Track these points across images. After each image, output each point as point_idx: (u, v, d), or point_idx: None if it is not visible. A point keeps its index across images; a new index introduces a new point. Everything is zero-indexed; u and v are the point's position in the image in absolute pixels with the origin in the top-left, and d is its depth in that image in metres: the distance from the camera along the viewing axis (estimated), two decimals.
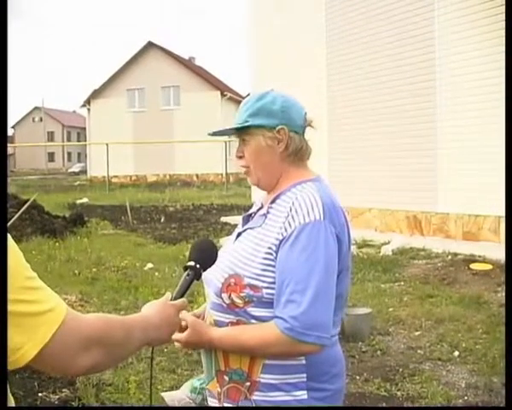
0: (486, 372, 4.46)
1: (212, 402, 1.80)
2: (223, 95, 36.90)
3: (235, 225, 1.98)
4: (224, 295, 1.72)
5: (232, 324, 1.72)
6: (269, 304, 1.67)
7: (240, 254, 1.74)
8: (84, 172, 48.43)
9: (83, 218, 13.39)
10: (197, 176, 35.38)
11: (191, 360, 4.70)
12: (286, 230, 1.66)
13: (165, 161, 35.50)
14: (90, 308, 6.35)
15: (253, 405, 1.71)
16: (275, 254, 1.67)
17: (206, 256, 1.74)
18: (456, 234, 10.21)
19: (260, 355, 1.68)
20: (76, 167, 59.71)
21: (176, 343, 1.75)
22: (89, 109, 38.76)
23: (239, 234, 1.84)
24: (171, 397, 4.01)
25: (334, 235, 1.66)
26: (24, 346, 1.05)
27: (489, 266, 7.90)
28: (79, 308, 6.20)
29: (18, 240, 10.49)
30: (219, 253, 1.80)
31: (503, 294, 6.05)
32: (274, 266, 1.67)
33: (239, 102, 1.95)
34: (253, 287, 1.68)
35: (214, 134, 1.93)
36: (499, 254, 7.61)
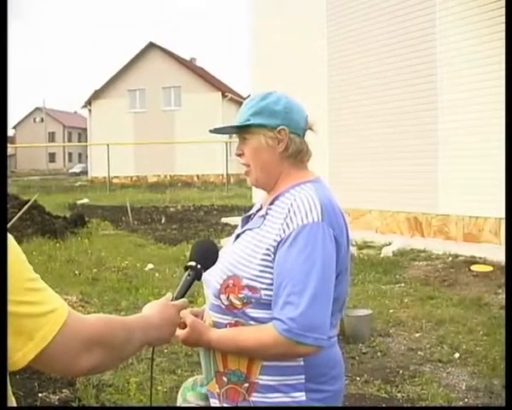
0: (487, 374, 4.46)
1: (213, 402, 1.81)
2: (224, 96, 36.91)
3: (236, 226, 1.98)
4: (223, 297, 1.72)
5: (230, 325, 1.72)
6: (267, 305, 1.67)
7: (238, 256, 1.75)
8: (84, 172, 48.44)
9: (83, 218, 13.40)
10: (198, 177, 35.38)
11: (191, 361, 4.70)
12: (284, 231, 1.67)
13: (166, 161, 35.51)
14: (90, 309, 6.35)
15: (252, 406, 1.71)
16: (273, 256, 1.68)
17: (207, 256, 1.74)
18: (457, 236, 10.21)
19: (258, 357, 1.68)
20: (77, 168, 59.71)
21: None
22: (90, 110, 38.78)
23: (238, 235, 1.84)
24: None
25: (332, 237, 1.66)
26: (25, 347, 1.05)
27: (489, 268, 7.90)
28: (80, 309, 6.20)
29: (18, 241, 10.56)
30: (219, 254, 1.81)
31: (504, 296, 6.04)
32: (272, 268, 1.67)
33: (240, 103, 1.95)
34: (251, 288, 1.68)
35: (215, 131, 1.93)
36: (500, 256, 7.61)
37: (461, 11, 9.98)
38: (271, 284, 1.67)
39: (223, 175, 31.32)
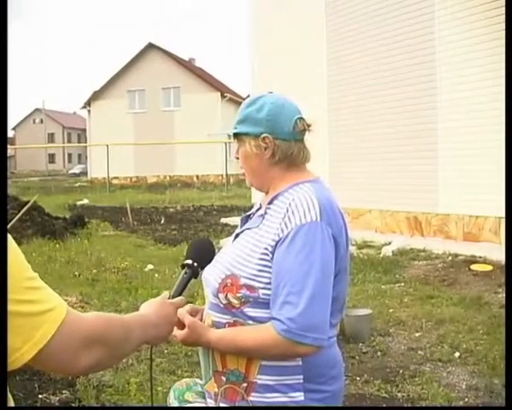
0: (487, 374, 4.45)
1: (209, 403, 1.81)
2: (223, 96, 36.91)
3: (236, 226, 1.99)
4: (221, 296, 1.72)
5: (229, 324, 1.73)
6: (265, 305, 1.67)
7: (237, 255, 1.75)
8: (84, 173, 48.45)
9: (83, 219, 13.40)
10: (197, 177, 35.38)
11: (191, 361, 4.70)
12: (282, 231, 1.67)
13: (166, 162, 35.51)
14: (90, 310, 6.35)
15: (251, 406, 1.71)
16: (271, 255, 1.68)
17: (204, 255, 1.75)
18: (457, 235, 10.21)
19: (257, 357, 1.69)
20: (76, 169, 59.71)
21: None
22: (89, 111, 38.79)
23: (237, 235, 1.85)
24: None
25: (331, 236, 1.66)
26: (24, 346, 1.05)
27: (489, 267, 7.90)
28: (80, 309, 6.18)
29: (18, 241, 10.56)
30: (218, 253, 1.81)
31: (504, 295, 6.04)
32: (270, 267, 1.67)
33: (239, 104, 1.97)
34: (249, 287, 1.68)
35: (213, 136, 1.96)
36: (500, 255, 7.61)
37: (460, 10, 9.98)
38: (269, 284, 1.67)
39: (222, 175, 31.32)
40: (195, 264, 1.72)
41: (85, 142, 46.93)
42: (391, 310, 6.26)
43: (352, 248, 9.24)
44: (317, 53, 13.00)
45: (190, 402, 1.89)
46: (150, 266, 8.81)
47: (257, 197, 1.96)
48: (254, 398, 1.70)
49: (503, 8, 3.68)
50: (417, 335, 5.50)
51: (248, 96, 2.55)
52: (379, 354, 5.04)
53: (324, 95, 12.79)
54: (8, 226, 9.51)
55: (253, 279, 1.68)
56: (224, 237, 10.46)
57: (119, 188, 29.87)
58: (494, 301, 6.42)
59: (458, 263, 8.43)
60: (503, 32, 2.95)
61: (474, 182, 9.67)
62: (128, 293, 7.16)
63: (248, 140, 1.79)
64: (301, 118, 1.82)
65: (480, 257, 8.53)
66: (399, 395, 4.20)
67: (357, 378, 4.47)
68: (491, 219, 9.51)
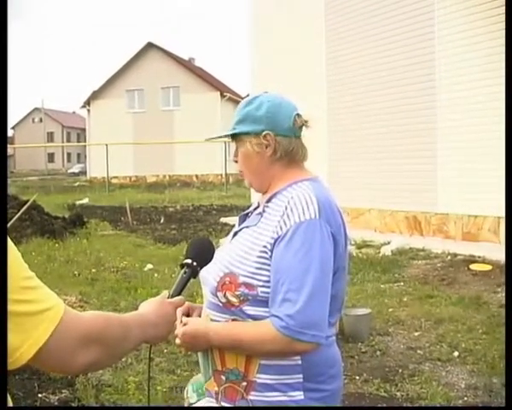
0: (486, 373, 4.46)
1: (210, 402, 1.81)
2: (222, 96, 36.90)
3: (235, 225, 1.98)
4: (220, 294, 1.72)
5: None
6: (264, 303, 1.67)
7: (235, 253, 1.75)
8: (83, 172, 48.42)
9: (82, 219, 13.39)
10: (197, 177, 35.37)
11: (191, 360, 4.70)
12: (281, 228, 1.67)
13: (165, 161, 35.49)
14: (89, 309, 6.34)
15: (250, 405, 1.71)
16: (270, 253, 1.68)
17: (203, 254, 1.75)
18: (456, 234, 10.21)
19: (255, 353, 1.69)
20: (76, 168, 59.68)
21: (177, 340, 1.76)
22: (88, 110, 38.77)
23: (235, 233, 1.85)
24: None
25: (330, 234, 1.67)
26: (23, 345, 1.05)
27: (489, 267, 7.90)
28: (79, 309, 6.19)
29: (18, 241, 10.47)
30: (217, 252, 1.81)
31: (503, 294, 6.05)
32: (269, 265, 1.67)
33: (238, 103, 1.96)
34: (247, 285, 1.68)
35: (210, 140, 1.96)
36: (499, 255, 7.62)
37: (459, 10, 9.99)
38: (268, 282, 1.67)
39: (222, 175, 31.32)
40: (195, 263, 1.72)
41: (85, 141, 46.92)
42: (390, 309, 6.27)
43: (352, 248, 9.24)
44: (316, 53, 13.00)
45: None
46: (149, 266, 8.81)
47: (256, 197, 1.96)
48: (254, 397, 1.70)
49: (503, 8, 3.68)
50: (416, 334, 5.50)
51: (248, 95, 2.54)
52: (378, 353, 5.04)
53: (324, 94, 12.79)
54: (8, 226, 9.51)
55: (252, 277, 1.69)
56: (223, 236, 10.45)
57: (119, 187, 29.87)
58: (493, 301, 6.42)
59: (457, 263, 8.44)
60: (503, 32, 2.95)
61: (474, 181, 9.67)
62: (127, 292, 7.16)
63: (249, 139, 1.79)
64: (299, 114, 1.83)
65: (479, 257, 8.54)
66: (398, 394, 4.20)
67: (357, 378, 4.48)
68: (491, 218, 9.51)
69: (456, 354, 4.93)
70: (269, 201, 1.78)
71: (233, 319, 1.71)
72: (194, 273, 1.72)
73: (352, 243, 9.84)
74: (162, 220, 15.15)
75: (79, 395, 4.13)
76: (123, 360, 4.54)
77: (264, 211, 1.77)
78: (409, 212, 11.11)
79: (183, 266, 1.73)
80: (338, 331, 4.71)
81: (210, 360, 1.77)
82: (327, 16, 12.75)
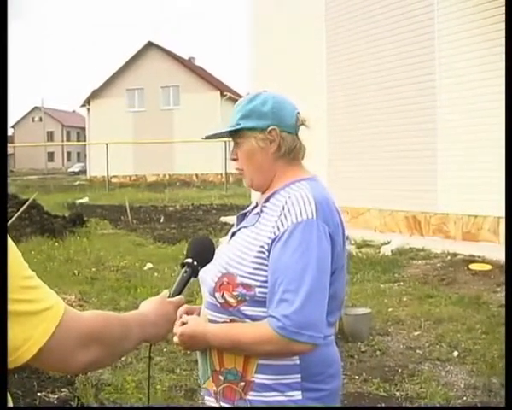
0: (486, 373, 4.46)
1: (210, 401, 1.81)
2: (222, 95, 36.89)
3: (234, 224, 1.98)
4: (218, 295, 1.72)
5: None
6: (262, 303, 1.67)
7: (233, 253, 1.75)
8: (83, 171, 48.42)
9: (82, 218, 13.40)
10: (197, 176, 35.36)
11: (190, 359, 4.70)
12: (278, 229, 1.67)
13: (165, 160, 35.48)
14: (89, 308, 6.35)
15: (248, 405, 1.71)
16: (267, 253, 1.68)
17: (204, 253, 1.75)
18: (456, 234, 10.22)
19: (253, 353, 1.68)
20: (76, 167, 59.67)
21: (175, 339, 1.76)
22: (88, 109, 38.75)
23: (234, 233, 1.85)
24: None
25: (328, 234, 1.66)
26: (23, 345, 1.05)
27: (488, 267, 7.90)
28: (78, 308, 6.19)
29: (17, 240, 10.45)
30: (216, 252, 1.81)
31: (503, 294, 6.05)
32: (266, 265, 1.67)
33: None
34: (245, 286, 1.68)
35: (209, 137, 1.94)
36: (498, 255, 7.62)
37: (459, 10, 9.98)
38: (266, 282, 1.67)
39: (222, 174, 31.32)
40: (195, 263, 1.72)
41: (84, 140, 46.89)
42: (390, 309, 6.27)
43: (351, 248, 9.24)
44: (316, 53, 13.00)
45: None
46: (149, 265, 8.81)
47: (256, 196, 1.95)
48: (252, 397, 1.70)
49: (503, 8, 3.68)
50: (416, 334, 5.51)
51: (248, 94, 2.52)
52: (378, 353, 5.04)
53: (323, 94, 12.79)
54: (8, 224, 9.50)
55: (250, 278, 1.68)
56: (223, 235, 10.44)
57: (119, 186, 29.87)
58: (493, 301, 6.42)
59: (457, 262, 8.44)
60: (503, 32, 2.95)
61: (473, 181, 9.67)
62: (127, 292, 7.17)
63: (254, 134, 1.78)
64: (299, 112, 1.84)
65: (479, 256, 8.54)
66: (398, 393, 4.21)
67: (356, 377, 4.48)
68: (490, 218, 9.52)
69: (455, 353, 4.94)
70: (267, 201, 1.78)
71: (231, 320, 1.71)
72: (194, 273, 1.72)
73: (352, 242, 9.84)
74: (162, 219, 15.15)
75: (79, 394, 4.13)
76: (122, 359, 4.55)
77: (261, 211, 1.77)
78: (408, 212, 11.11)
79: (183, 265, 1.73)
80: (337, 331, 4.72)
81: (208, 360, 1.77)
82: (327, 16, 12.74)
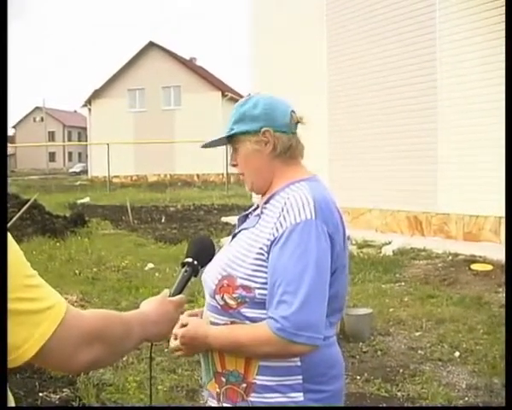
0: (487, 373, 4.46)
1: (212, 402, 1.81)
2: (224, 95, 36.89)
3: (236, 225, 1.98)
4: (218, 297, 1.72)
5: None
6: (261, 305, 1.67)
7: (233, 255, 1.75)
8: (84, 172, 48.44)
9: (83, 218, 13.40)
10: (198, 176, 35.37)
11: (192, 360, 4.70)
12: (277, 230, 1.66)
13: (166, 161, 35.49)
14: (90, 308, 6.34)
15: (250, 406, 1.71)
16: (266, 255, 1.67)
17: (204, 253, 1.75)
18: (457, 235, 10.21)
19: (253, 355, 1.68)
20: (77, 167, 59.70)
21: (171, 343, 1.76)
22: (90, 109, 38.77)
23: (235, 235, 1.85)
24: None
25: (327, 234, 1.66)
26: (25, 344, 1.05)
27: (489, 267, 7.90)
28: (80, 308, 6.15)
29: (19, 240, 10.44)
30: (217, 254, 1.81)
31: (504, 294, 6.04)
32: (266, 267, 1.67)
33: None
34: (245, 288, 1.68)
35: (207, 146, 1.94)
36: (500, 255, 7.60)
37: (460, 10, 9.98)
38: (265, 284, 1.66)
39: (223, 174, 31.31)
40: (196, 262, 1.72)
41: (86, 140, 46.92)
42: (391, 309, 6.26)
43: (353, 248, 9.24)
44: (316, 53, 13.00)
45: None
46: (150, 265, 8.81)
47: (257, 197, 1.95)
48: (254, 398, 1.70)
49: (504, 8, 3.67)
50: (417, 334, 5.50)
51: (249, 95, 2.50)
52: (379, 353, 5.04)
53: (324, 95, 12.79)
54: (9, 225, 9.52)
55: (249, 279, 1.68)
56: (224, 235, 10.45)
57: (120, 186, 29.88)
58: (494, 301, 6.42)
59: (458, 263, 8.43)
60: (504, 32, 2.95)
61: (475, 182, 9.67)
62: (128, 292, 7.17)
63: (248, 138, 1.79)
64: (294, 111, 1.83)
65: (480, 257, 8.53)
66: (399, 394, 4.20)
67: (358, 377, 4.48)
68: (492, 218, 9.51)
69: (457, 354, 4.93)
70: (267, 202, 1.78)
71: (231, 322, 1.71)
72: (195, 272, 1.72)
73: (353, 242, 9.84)
74: (163, 220, 15.15)
75: (80, 394, 4.13)
76: (124, 359, 4.55)
77: (262, 212, 1.77)
78: (410, 212, 11.11)
79: (183, 264, 1.73)
80: (339, 331, 4.72)
81: (210, 362, 1.77)
82: (328, 16, 12.74)
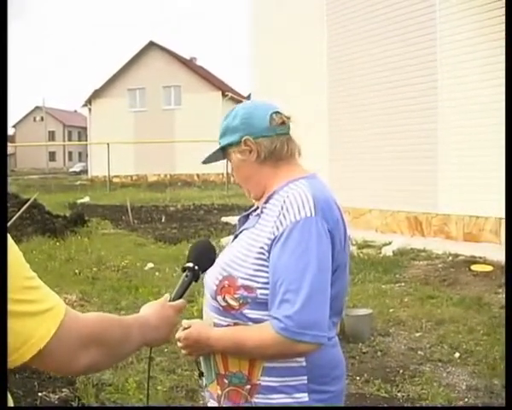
0: (487, 374, 4.45)
1: (212, 404, 1.80)
2: (224, 95, 36.91)
3: (236, 225, 1.98)
4: (219, 298, 1.72)
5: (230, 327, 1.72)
6: (264, 305, 1.66)
7: (234, 256, 1.74)
8: (84, 171, 48.45)
9: (83, 217, 13.40)
10: (198, 176, 35.37)
11: (191, 360, 4.68)
12: (278, 229, 1.66)
13: (166, 160, 35.50)
14: (90, 308, 6.35)
15: (255, 406, 1.70)
16: (267, 254, 1.67)
17: (205, 257, 1.74)
18: (457, 235, 10.20)
19: (258, 356, 1.68)
20: (77, 167, 59.74)
21: (178, 344, 1.76)
22: (90, 109, 38.77)
23: (236, 236, 1.84)
24: None
25: (327, 231, 1.65)
26: (24, 345, 1.05)
27: (490, 268, 7.89)
28: (79, 308, 6.19)
29: (18, 239, 10.45)
30: (219, 255, 1.80)
31: (504, 295, 6.04)
32: (267, 266, 1.66)
33: (240, 102, 1.96)
34: (246, 288, 1.68)
35: (207, 161, 1.96)
36: (500, 256, 7.60)
37: (461, 11, 9.97)
38: (267, 283, 1.66)
39: (223, 174, 31.31)
40: (196, 267, 1.71)
41: (86, 140, 46.90)
42: (391, 310, 6.26)
43: (353, 248, 9.23)
44: (317, 53, 12.99)
45: None
46: (150, 265, 8.81)
47: None
48: (258, 400, 1.69)
49: (504, 9, 3.67)
50: (417, 335, 5.50)
51: (249, 95, 2.51)
52: (379, 353, 5.04)
53: (324, 95, 12.78)
54: (9, 224, 9.51)
55: (251, 279, 1.68)
56: (224, 235, 10.45)
57: (120, 186, 29.88)
58: (494, 302, 6.41)
59: (458, 263, 8.43)
60: (504, 33, 2.94)
61: (475, 182, 9.67)
62: (128, 291, 7.16)
63: (233, 149, 1.82)
64: (277, 112, 1.82)
65: (481, 257, 8.53)
66: (399, 394, 4.20)
67: (358, 378, 4.47)
68: (492, 219, 9.51)
69: (457, 354, 4.93)
70: (266, 202, 1.77)
71: (234, 323, 1.70)
72: (195, 277, 1.71)
73: (353, 243, 9.83)
74: (163, 219, 15.15)
75: (80, 393, 4.12)
76: None
77: (261, 212, 1.76)
78: (410, 212, 11.10)
79: (184, 269, 1.73)
80: (339, 332, 4.71)
81: (212, 364, 1.76)
82: (328, 16, 12.73)
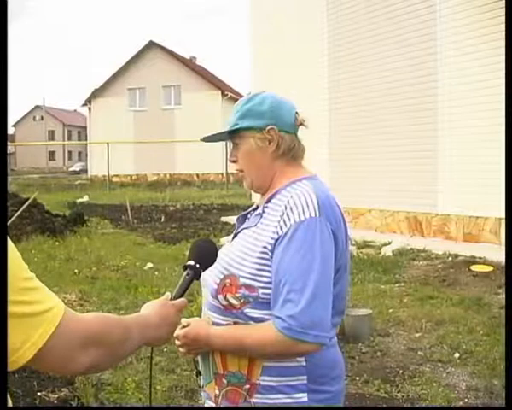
0: (487, 374, 4.45)
1: (209, 405, 1.79)
2: (223, 94, 36.88)
3: (235, 225, 1.97)
4: (220, 297, 1.70)
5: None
6: (265, 304, 1.65)
7: (235, 255, 1.73)
8: (84, 171, 48.45)
9: (83, 217, 13.40)
10: (197, 175, 35.37)
11: (191, 360, 4.68)
12: (281, 228, 1.65)
13: (166, 160, 35.48)
14: (89, 307, 6.34)
15: (253, 406, 1.69)
16: (270, 254, 1.66)
17: (206, 256, 1.73)
18: (457, 235, 10.20)
19: (259, 355, 1.67)
20: (76, 166, 59.72)
21: (176, 342, 1.75)
22: (90, 108, 38.75)
23: (235, 235, 1.83)
24: None
25: (331, 231, 1.64)
26: (23, 346, 1.04)
27: (489, 268, 7.89)
28: (79, 307, 6.19)
29: (18, 239, 10.44)
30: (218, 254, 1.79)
31: (504, 295, 6.04)
32: (269, 266, 1.65)
33: None
34: (248, 287, 1.67)
35: (207, 139, 1.91)
36: (500, 256, 7.60)
37: (461, 11, 9.97)
38: (269, 283, 1.65)
39: (222, 174, 31.32)
40: (197, 265, 1.70)
41: (86, 139, 46.92)
42: (390, 310, 6.25)
43: (352, 248, 9.23)
44: (318, 53, 12.99)
45: None
46: (150, 265, 8.80)
47: (257, 196, 1.94)
48: (257, 399, 1.68)
49: (504, 9, 3.66)
50: (417, 335, 5.49)
51: (249, 94, 2.49)
52: (378, 354, 5.03)
53: (325, 95, 12.78)
54: (8, 223, 9.50)
55: (253, 279, 1.67)
56: (223, 235, 10.44)
57: (119, 186, 29.87)
58: (494, 302, 6.41)
59: (458, 264, 8.42)
60: (504, 33, 2.93)
61: (475, 182, 9.66)
62: (127, 291, 7.16)
63: (252, 134, 1.76)
64: (298, 112, 1.82)
65: (480, 258, 8.53)
66: (399, 395, 4.19)
67: (357, 378, 4.47)
68: (492, 219, 9.50)
69: (456, 355, 4.92)
70: (268, 201, 1.76)
71: (234, 322, 1.69)
72: (196, 275, 1.70)
73: (353, 243, 9.82)
74: (163, 219, 15.14)
75: (79, 393, 4.12)
76: None
77: (263, 211, 1.75)
78: (410, 212, 11.10)
79: (185, 267, 1.72)
80: (338, 332, 4.71)
81: (211, 363, 1.75)
82: (329, 16, 12.73)
